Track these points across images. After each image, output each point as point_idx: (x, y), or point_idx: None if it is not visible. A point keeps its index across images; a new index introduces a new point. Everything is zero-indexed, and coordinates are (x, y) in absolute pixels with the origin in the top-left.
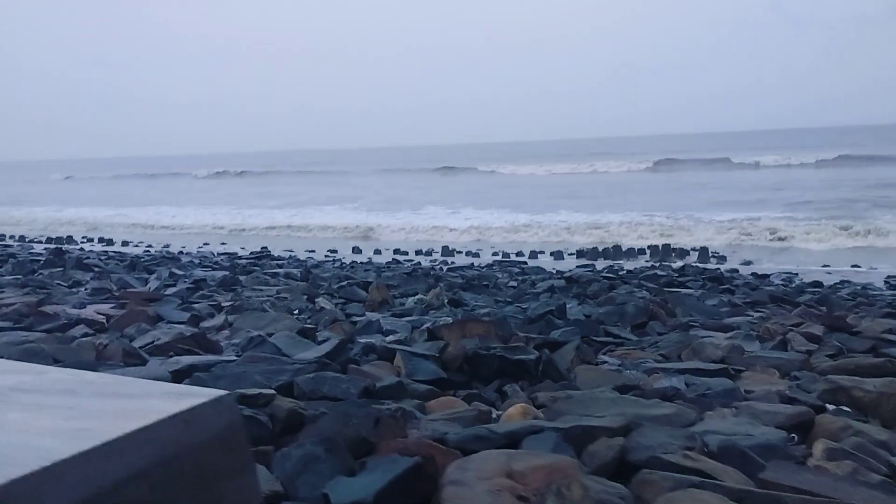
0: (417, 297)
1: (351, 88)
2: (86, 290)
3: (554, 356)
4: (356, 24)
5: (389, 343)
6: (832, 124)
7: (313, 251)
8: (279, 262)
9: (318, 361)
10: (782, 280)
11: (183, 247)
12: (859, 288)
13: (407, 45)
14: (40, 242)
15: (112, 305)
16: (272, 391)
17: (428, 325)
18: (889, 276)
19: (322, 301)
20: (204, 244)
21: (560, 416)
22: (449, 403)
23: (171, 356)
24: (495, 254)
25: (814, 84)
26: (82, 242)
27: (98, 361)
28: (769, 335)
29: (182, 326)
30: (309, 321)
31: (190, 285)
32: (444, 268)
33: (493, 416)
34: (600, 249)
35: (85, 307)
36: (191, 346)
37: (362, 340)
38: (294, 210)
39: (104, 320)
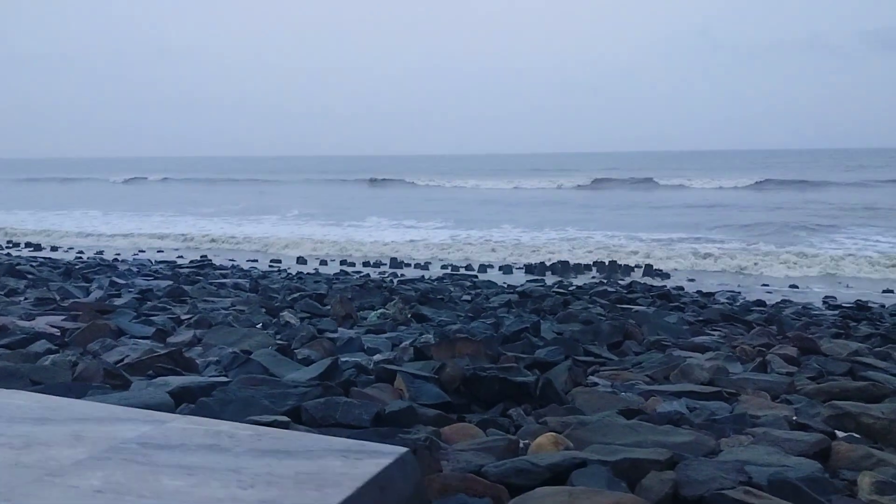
0: (380, 311)
1: (268, 95)
2: (26, 298)
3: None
4: (278, 30)
5: (378, 362)
6: (754, 147)
7: (255, 261)
8: (222, 271)
9: (321, 384)
10: (727, 298)
11: (117, 254)
12: (801, 308)
13: (330, 52)
14: None
15: (63, 317)
16: (286, 419)
17: (408, 342)
18: (827, 297)
19: (287, 315)
20: (140, 251)
21: (586, 446)
22: (466, 431)
23: (151, 376)
24: (444, 267)
25: (736, 108)
26: (8, 247)
27: (78, 383)
28: (747, 356)
29: (148, 342)
30: (279, 337)
31: (136, 295)
32: (395, 280)
33: (521, 445)
34: (548, 264)
35: (34, 318)
36: (170, 365)
37: (347, 359)
38: (230, 218)
39: (59, 333)
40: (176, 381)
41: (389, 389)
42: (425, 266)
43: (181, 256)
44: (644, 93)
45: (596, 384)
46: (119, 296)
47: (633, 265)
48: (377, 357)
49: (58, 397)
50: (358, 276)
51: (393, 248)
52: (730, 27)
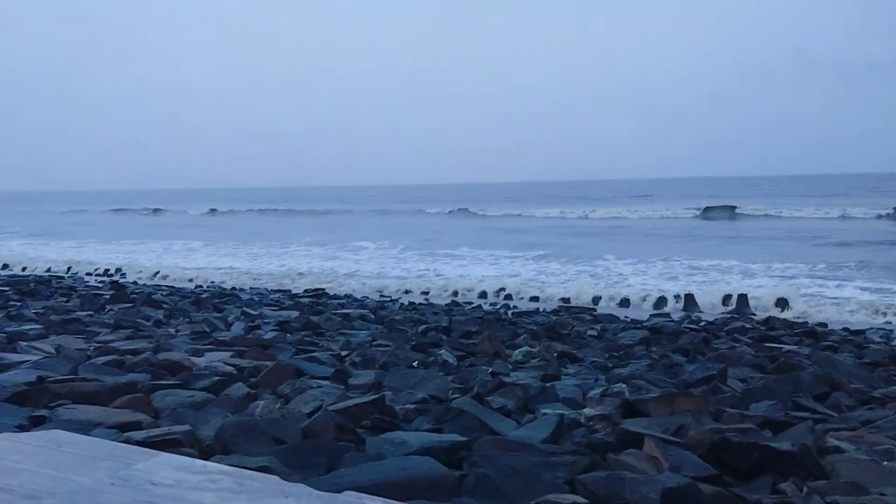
0: (525, 349)
1: (338, 125)
2: (177, 331)
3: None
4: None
5: (590, 417)
6: (856, 171)
7: (368, 289)
8: (339, 301)
9: (582, 452)
10: (881, 337)
11: (234, 286)
12: None
13: (419, 80)
14: (90, 274)
15: (231, 353)
16: (584, 500)
17: (597, 392)
18: None
19: (445, 354)
20: (253, 284)
21: None
22: None
23: (368, 427)
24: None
25: (835, 130)
26: (131, 276)
27: (323, 441)
28: None
29: (329, 383)
30: (452, 380)
31: (275, 328)
32: (510, 312)
33: None
34: (667, 298)
35: (202, 355)
36: (378, 414)
37: (547, 411)
38: (328, 248)
39: (236, 372)
40: (412, 438)
41: (643, 457)
42: (535, 297)
43: (297, 286)
44: (735, 116)
45: (839, 448)
46: (258, 328)
47: (758, 298)
48: (587, 411)
49: None
50: (470, 307)
51: (495, 278)
52: (825, 48)
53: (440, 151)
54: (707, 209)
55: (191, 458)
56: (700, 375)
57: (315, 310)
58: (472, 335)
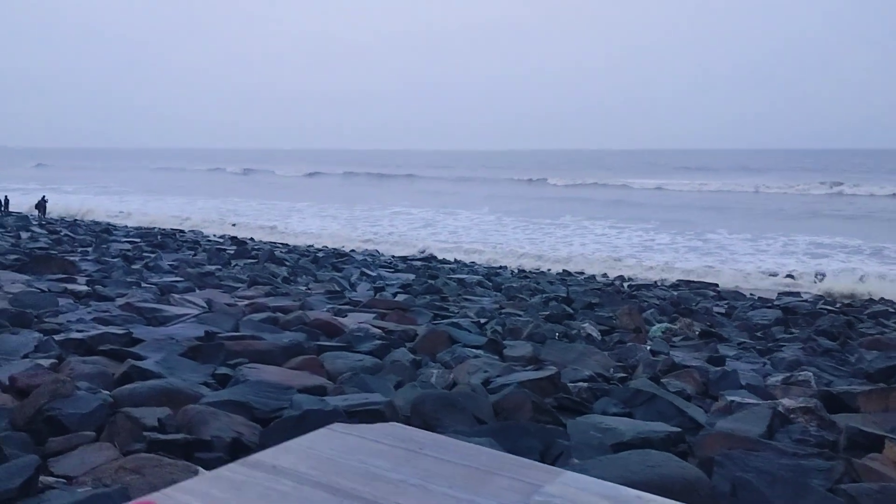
0: (665, 325)
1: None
2: (309, 288)
3: None
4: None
5: (791, 409)
6: None
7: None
8: (450, 265)
9: (822, 453)
10: None
11: (343, 246)
12: None
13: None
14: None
15: (373, 315)
16: None
17: (778, 378)
18: None
19: (588, 328)
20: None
21: None
22: None
23: (556, 406)
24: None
25: None
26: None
27: (524, 424)
28: None
29: (482, 352)
30: (609, 356)
31: (399, 290)
32: (625, 284)
33: None
34: (794, 276)
35: (345, 315)
36: (556, 392)
37: (734, 399)
38: (423, 212)
39: (385, 334)
40: (620, 426)
41: (889, 463)
42: (649, 270)
43: (404, 248)
44: (837, 86)
45: None
46: (382, 289)
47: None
48: (786, 402)
49: None
50: (582, 277)
51: (605, 249)
52: None
53: (516, 116)
54: (820, 184)
55: (614, 485)
56: (881, 365)
57: (430, 273)
58: (594, 307)
